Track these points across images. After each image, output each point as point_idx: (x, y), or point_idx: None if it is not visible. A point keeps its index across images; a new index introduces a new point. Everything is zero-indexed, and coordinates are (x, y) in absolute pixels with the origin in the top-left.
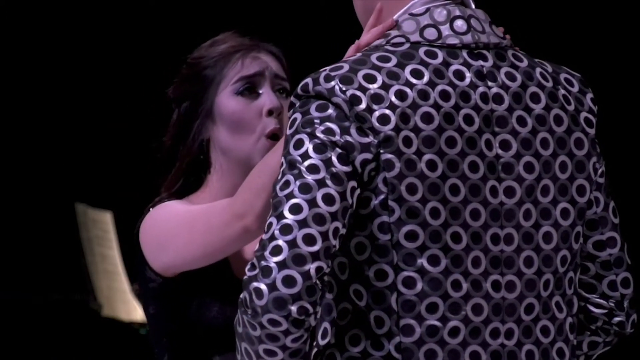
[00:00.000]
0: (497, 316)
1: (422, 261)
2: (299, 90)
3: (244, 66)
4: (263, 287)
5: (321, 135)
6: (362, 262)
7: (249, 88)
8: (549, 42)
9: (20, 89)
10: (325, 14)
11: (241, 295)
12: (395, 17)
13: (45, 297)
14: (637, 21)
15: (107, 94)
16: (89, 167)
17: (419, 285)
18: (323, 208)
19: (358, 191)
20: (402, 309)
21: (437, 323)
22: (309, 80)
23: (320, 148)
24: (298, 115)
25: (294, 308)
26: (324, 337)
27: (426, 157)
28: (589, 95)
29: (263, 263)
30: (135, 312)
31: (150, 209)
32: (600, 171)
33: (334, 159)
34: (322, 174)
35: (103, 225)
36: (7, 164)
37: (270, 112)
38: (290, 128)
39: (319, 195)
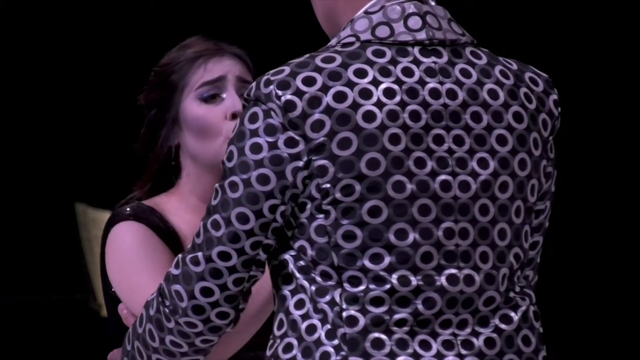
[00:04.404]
0: (451, 309)
1: (364, 261)
2: (245, 93)
3: (206, 71)
4: (183, 292)
5: (248, 153)
6: (309, 261)
7: (213, 95)
8: (529, 42)
9: (20, 89)
10: (298, 14)
11: (163, 285)
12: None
13: (45, 297)
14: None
15: (108, 94)
16: (89, 167)
17: (364, 282)
18: (237, 226)
19: (283, 208)
20: (345, 302)
21: (384, 315)
22: (254, 83)
23: (244, 166)
24: (238, 121)
25: (213, 314)
26: (280, 327)
27: (367, 156)
28: (553, 97)
29: (185, 268)
30: None
31: (115, 225)
32: (554, 179)
33: (253, 179)
34: (239, 193)
35: (103, 225)
36: (7, 164)
37: (234, 116)
38: (232, 133)
39: (233, 214)
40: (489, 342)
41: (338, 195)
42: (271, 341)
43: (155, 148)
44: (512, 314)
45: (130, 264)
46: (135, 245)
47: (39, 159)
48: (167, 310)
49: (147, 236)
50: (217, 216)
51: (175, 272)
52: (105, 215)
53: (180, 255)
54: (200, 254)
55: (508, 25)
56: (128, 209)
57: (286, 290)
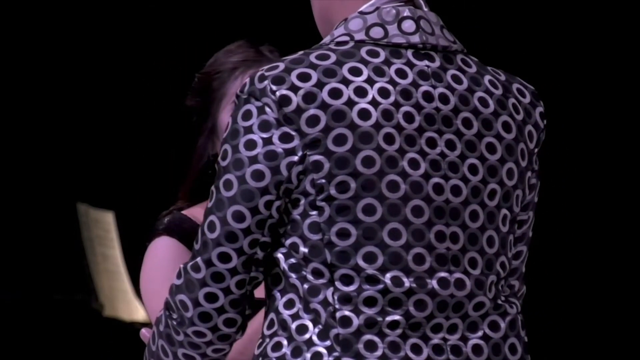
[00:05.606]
0: (442, 312)
1: (357, 260)
2: (238, 90)
3: (242, 83)
4: (188, 301)
5: (242, 150)
6: (300, 259)
7: None
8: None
9: (21, 89)
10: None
11: (168, 298)
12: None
13: (46, 297)
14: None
15: (110, 94)
16: (90, 167)
17: (357, 281)
18: (233, 225)
19: (278, 203)
20: (338, 302)
21: (376, 316)
22: (247, 79)
23: (238, 164)
24: (230, 120)
25: (220, 321)
26: (270, 327)
27: (362, 153)
28: (539, 109)
29: (187, 276)
30: (136, 312)
31: (151, 242)
32: (538, 190)
33: (247, 176)
34: (234, 191)
35: (105, 225)
36: (8, 163)
37: None
38: (225, 132)
39: (228, 213)
40: (477, 349)
41: (333, 191)
42: (260, 340)
43: (194, 156)
44: (501, 321)
45: (157, 284)
46: (163, 264)
47: (40, 158)
48: (174, 323)
49: (179, 252)
50: (212, 217)
51: (178, 282)
52: (107, 216)
53: (181, 265)
54: (199, 259)
55: (500, 32)
56: (162, 223)
57: (275, 290)
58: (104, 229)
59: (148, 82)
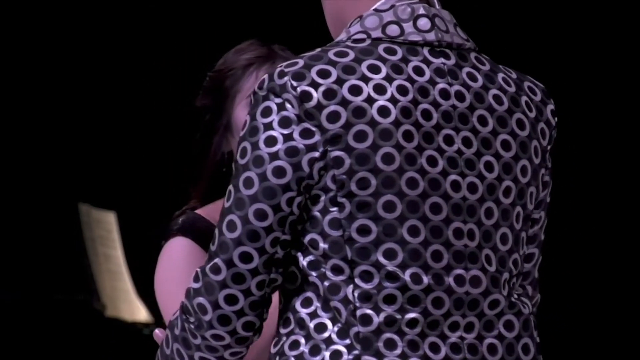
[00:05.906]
0: (459, 310)
1: (378, 256)
2: (255, 87)
3: (257, 79)
4: (207, 304)
5: (262, 147)
6: (319, 256)
7: None
8: (521, 50)
9: (22, 89)
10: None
11: (185, 302)
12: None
13: (48, 297)
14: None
15: (111, 94)
16: (92, 167)
17: (377, 278)
18: (255, 224)
19: (299, 199)
20: (358, 299)
21: (395, 314)
22: (266, 76)
23: (258, 161)
24: (248, 118)
25: (239, 324)
26: (286, 325)
27: (382, 150)
28: (550, 107)
29: (206, 279)
30: (138, 312)
31: (165, 242)
32: (550, 189)
33: (268, 173)
34: (255, 189)
35: (106, 225)
36: (10, 163)
37: None
38: (242, 129)
39: (250, 212)
40: (492, 348)
41: (353, 187)
42: (276, 339)
43: (209, 155)
44: (515, 320)
45: (172, 284)
46: (178, 265)
47: (42, 158)
48: (192, 327)
49: (193, 252)
50: (232, 216)
51: (196, 285)
52: (109, 216)
53: (198, 269)
54: (218, 260)
55: (503, 31)
56: (176, 224)
57: (291, 288)
58: (106, 229)
59: (149, 83)
